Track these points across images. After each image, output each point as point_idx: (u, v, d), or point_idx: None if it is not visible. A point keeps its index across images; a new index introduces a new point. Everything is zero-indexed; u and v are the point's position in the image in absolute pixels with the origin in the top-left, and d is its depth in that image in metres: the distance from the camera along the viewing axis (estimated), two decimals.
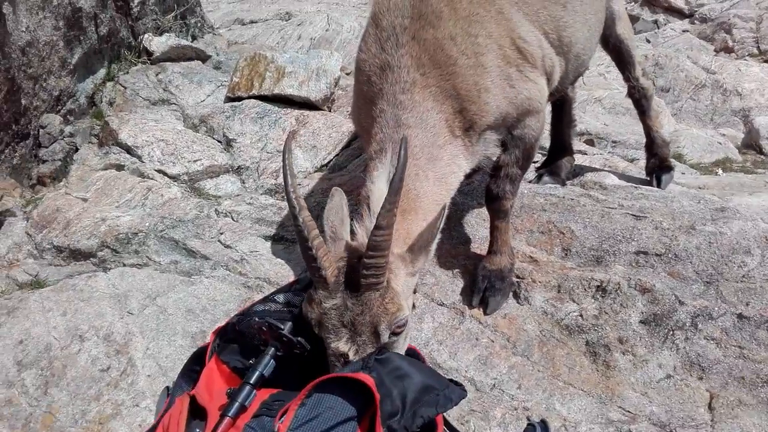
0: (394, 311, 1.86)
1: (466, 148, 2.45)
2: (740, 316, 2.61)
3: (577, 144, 5.90)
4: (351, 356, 1.86)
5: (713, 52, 15.62)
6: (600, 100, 8.91)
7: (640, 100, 3.77)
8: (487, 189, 2.78)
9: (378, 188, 2.07)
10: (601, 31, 3.35)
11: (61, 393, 2.65)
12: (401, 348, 1.98)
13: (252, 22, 9.03)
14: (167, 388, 2.15)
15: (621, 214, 3.09)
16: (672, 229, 2.97)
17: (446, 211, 2.06)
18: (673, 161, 5.21)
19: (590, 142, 6.62)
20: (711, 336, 2.61)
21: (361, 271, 1.82)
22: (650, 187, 3.59)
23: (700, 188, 4.25)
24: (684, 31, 18.78)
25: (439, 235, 2.06)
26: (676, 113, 11.05)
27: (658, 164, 3.78)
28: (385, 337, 1.87)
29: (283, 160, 1.95)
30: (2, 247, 3.18)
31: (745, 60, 13.37)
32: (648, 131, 3.85)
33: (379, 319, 1.84)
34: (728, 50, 15.72)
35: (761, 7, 18.78)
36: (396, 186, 1.82)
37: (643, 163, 4.18)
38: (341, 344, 1.86)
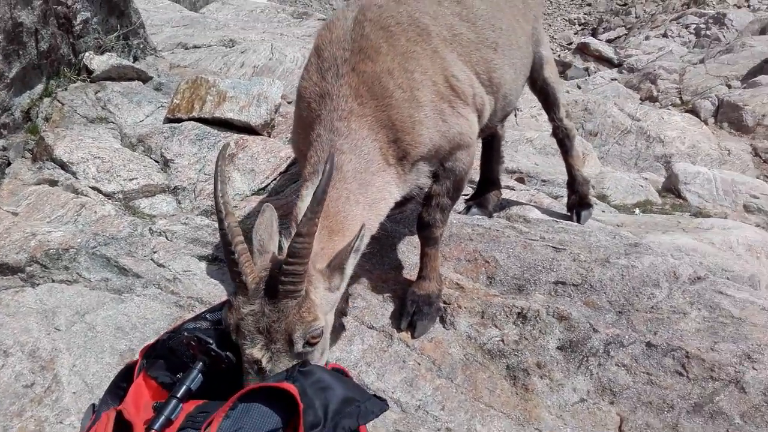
0: (310, 320, 1.93)
1: (399, 176, 2.57)
2: (648, 344, 2.79)
3: (508, 180, 6.15)
4: (264, 363, 1.92)
5: (639, 101, 16.52)
6: (531, 141, 9.28)
7: (563, 139, 4.01)
8: (419, 217, 2.91)
9: (305, 205, 2.16)
10: (527, 74, 3.58)
11: None
12: (318, 362, 2.05)
13: (195, 46, 8.99)
14: (93, 405, 2.15)
15: (542, 246, 3.27)
16: (588, 261, 3.16)
17: (363, 232, 2.14)
18: (595, 200, 5.51)
19: (521, 180, 6.90)
20: (622, 362, 2.77)
21: (280, 278, 1.89)
22: (570, 222, 3.80)
23: (618, 225, 4.52)
24: (613, 79, 19.74)
25: (355, 256, 2.14)
26: (603, 156, 11.60)
27: (578, 201, 4.01)
28: (299, 346, 1.93)
29: (216, 167, 2.03)
30: None
31: (668, 109, 14.19)
32: (570, 170, 4.09)
33: (294, 327, 1.91)
34: (653, 99, 16.63)
35: (684, 60, 20.00)
36: (319, 196, 1.91)
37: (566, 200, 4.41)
38: (255, 350, 1.92)
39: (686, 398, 2.62)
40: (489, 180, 3.94)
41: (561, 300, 3.03)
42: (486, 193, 3.89)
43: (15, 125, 3.95)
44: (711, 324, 2.87)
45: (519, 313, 2.95)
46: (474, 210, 3.78)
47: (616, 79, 18.74)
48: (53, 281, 3.05)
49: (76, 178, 3.60)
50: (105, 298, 2.97)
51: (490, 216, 3.75)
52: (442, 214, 2.87)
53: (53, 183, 3.56)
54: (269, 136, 4.24)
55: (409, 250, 3.32)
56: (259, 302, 1.92)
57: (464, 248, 3.31)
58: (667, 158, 10.98)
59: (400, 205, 2.84)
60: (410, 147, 2.54)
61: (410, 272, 3.17)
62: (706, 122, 12.93)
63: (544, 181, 7.74)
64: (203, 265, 3.16)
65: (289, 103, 6.03)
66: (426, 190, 2.82)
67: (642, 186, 8.48)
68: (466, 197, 4.02)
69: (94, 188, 3.58)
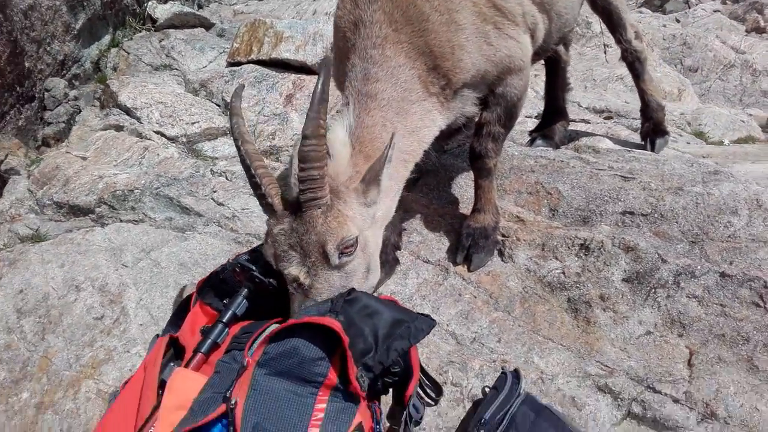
0: (338, 229, 1.90)
1: (442, 104, 2.46)
2: (723, 275, 2.60)
3: (586, 114, 5.88)
4: (303, 279, 1.91)
5: (744, 32, 15.34)
6: (622, 78, 8.79)
7: (633, 62, 3.73)
8: (470, 148, 2.79)
9: (335, 135, 2.10)
10: None
11: (57, 339, 2.75)
12: (362, 280, 2.02)
13: None
14: (157, 335, 2.23)
15: (610, 176, 3.09)
16: (660, 190, 2.96)
17: (394, 141, 2.06)
18: (680, 131, 5.17)
19: (610, 119, 6.58)
20: (693, 294, 2.60)
21: (298, 187, 1.88)
22: (644, 151, 3.57)
23: (703, 156, 4.22)
24: (715, 11, 18.40)
25: (389, 166, 2.08)
26: (704, 93, 10.89)
27: (653, 128, 3.74)
28: (334, 258, 1.91)
29: (231, 101, 2.02)
30: (5, 202, 3.28)
31: None
32: (642, 95, 3.81)
33: (324, 238, 1.88)
34: (759, 30, 15.39)
35: None
36: (318, 96, 1.85)
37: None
38: (292, 268, 1.91)
39: (763, 330, 2.44)
40: (554, 109, 3.74)
41: (628, 231, 2.86)
42: (552, 123, 3.70)
43: (86, 76, 4.09)
44: None
45: (582, 245, 2.81)
46: (539, 142, 3.61)
47: (719, 11, 17.43)
48: (120, 221, 3.16)
49: (141, 123, 3.69)
50: (169, 236, 3.05)
51: (556, 147, 3.58)
52: (494, 144, 2.74)
53: (119, 128, 3.67)
54: None
55: (467, 184, 3.22)
56: (287, 220, 1.91)
57: (525, 180, 3.17)
58: None
59: (449, 135, 2.73)
60: (451, 74, 2.41)
61: (468, 206, 3.08)
62: None
63: (635, 119, 7.35)
64: None
65: None
66: (476, 118, 2.70)
67: (743, 122, 7.90)
68: (531, 129, 3.84)
69: (157, 132, 3.66)
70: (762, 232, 2.75)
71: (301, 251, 1.90)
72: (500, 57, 2.54)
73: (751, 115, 9.14)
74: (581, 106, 7.54)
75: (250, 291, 2.04)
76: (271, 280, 2.02)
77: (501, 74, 2.59)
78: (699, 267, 2.65)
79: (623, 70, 9.13)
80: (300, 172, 1.86)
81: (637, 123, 6.26)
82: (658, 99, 3.79)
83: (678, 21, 16.68)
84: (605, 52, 10.09)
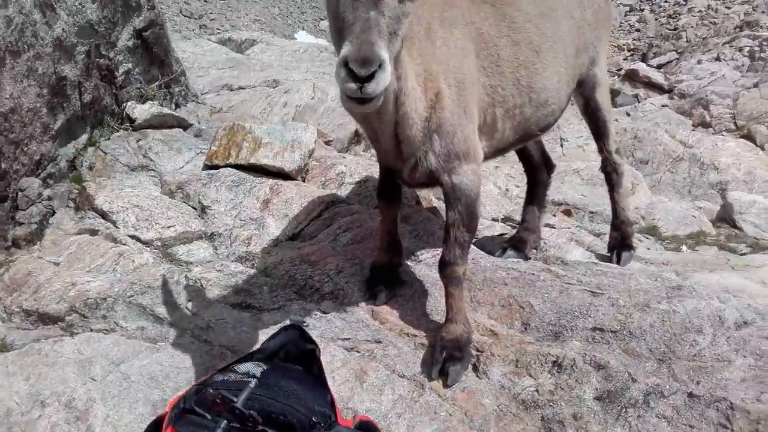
0: None
1: None
2: (690, 395, 2.67)
3: (554, 213, 6.07)
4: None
5: (691, 127, 16.18)
6: (578, 171, 9.14)
7: (611, 174, 3.92)
8: (440, 257, 2.89)
9: None
10: (573, 87, 3.53)
11: None
12: (405, 24, 2.21)
13: (240, 88, 9.24)
14: None
15: (579, 290, 3.19)
16: (628, 306, 3.07)
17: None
18: (640, 237, 5.36)
19: (567, 212, 6.79)
20: (662, 414, 2.65)
21: None
22: (609, 264, 3.70)
23: (663, 264, 4.37)
24: (663, 105, 19.42)
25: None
26: (654, 185, 11.35)
27: (620, 241, 3.90)
28: None
29: None
30: None
31: (722, 135, 13.84)
32: (615, 207, 3.99)
33: None
34: (705, 125, 16.27)
35: (737, 84, 19.54)
36: None
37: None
38: None
39: None
40: (529, 226, 3.88)
41: (599, 347, 2.94)
42: (524, 236, 3.83)
43: (60, 175, 4.09)
44: (757, 373, 2.74)
45: (554, 362, 2.86)
46: (510, 252, 3.72)
47: (666, 106, 18.39)
48: (91, 330, 3.12)
49: (116, 227, 3.69)
50: (140, 347, 3.01)
51: (526, 259, 3.68)
52: (461, 250, 2.85)
53: (94, 232, 3.66)
54: (303, 181, 4.29)
55: (441, 295, 3.27)
56: None
57: (498, 293, 3.25)
58: (722, 186, 10.68)
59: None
60: None
61: (443, 317, 3.12)
62: (762, 148, 12.56)
63: (591, 212, 7.59)
64: (236, 313, 3.19)
65: (328, 143, 6.11)
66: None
67: (695, 216, 8.22)
68: (504, 239, 3.97)
69: (132, 237, 3.67)
70: (726, 351, 2.85)
71: None
72: None
73: (701, 207, 9.54)
74: None
75: (229, 422, 2.02)
76: (251, 412, 2.01)
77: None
78: (668, 387, 2.71)
79: (580, 163, 9.51)
80: None
81: (597, 227, 6.49)
82: (628, 214, 3.97)
83: (629, 114, 17.50)
84: (561, 146, 10.51)
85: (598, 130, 3.81)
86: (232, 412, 2.01)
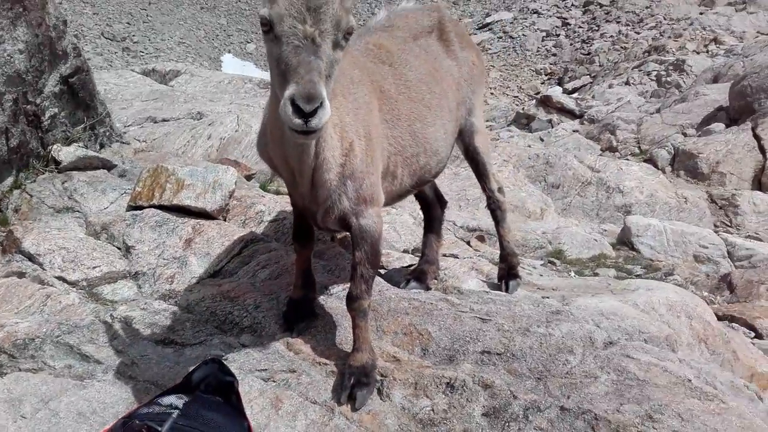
0: (348, 16, 2.38)
1: None
2: (562, 408, 3.08)
3: (459, 231, 6.52)
4: (317, 37, 2.33)
5: (600, 151, 17.23)
6: None
7: (495, 211, 4.38)
8: (348, 292, 3.24)
9: None
10: (455, 136, 4.01)
11: None
12: (335, 70, 2.51)
13: (164, 120, 9.38)
14: None
15: (471, 317, 3.60)
16: (511, 330, 3.50)
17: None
18: (535, 264, 5.88)
19: (481, 238, 7.30)
20: (539, 426, 3.05)
21: None
22: (499, 292, 4.15)
23: (552, 289, 4.86)
24: (574, 131, 20.54)
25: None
26: (565, 208, 12.11)
27: (507, 271, 4.36)
28: (340, 35, 2.40)
29: None
30: None
31: (627, 159, 14.85)
32: (501, 240, 4.44)
33: (341, 15, 2.35)
34: (612, 149, 17.37)
35: (642, 110, 20.86)
36: None
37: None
38: (307, 27, 2.32)
39: None
40: (428, 258, 4.30)
41: (486, 368, 3.34)
42: (425, 267, 4.24)
43: None
44: (618, 387, 3.18)
45: (448, 383, 3.23)
46: (413, 283, 4.12)
47: (577, 131, 19.53)
48: (20, 370, 3.30)
49: (43, 269, 3.88)
50: (68, 384, 3.21)
51: (427, 289, 4.09)
52: (366, 285, 3.20)
53: (21, 275, 3.84)
54: (224, 220, 4.58)
55: (350, 326, 3.62)
56: None
57: (401, 322, 3.62)
58: (627, 208, 11.51)
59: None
60: None
61: (351, 346, 3.47)
62: (663, 171, 13.56)
63: None
64: (160, 349, 3.44)
65: (251, 176, 6.39)
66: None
67: (596, 240, 8.92)
68: (408, 271, 4.37)
69: (59, 278, 3.86)
70: (593, 368, 3.30)
71: (316, 16, 2.32)
72: None
73: (605, 230, 10.29)
74: (456, 225, 8.31)
75: None
76: None
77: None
78: (543, 402, 3.13)
79: None
80: None
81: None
82: (513, 246, 4.43)
83: (542, 140, 18.47)
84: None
85: (479, 172, 4.26)
86: None
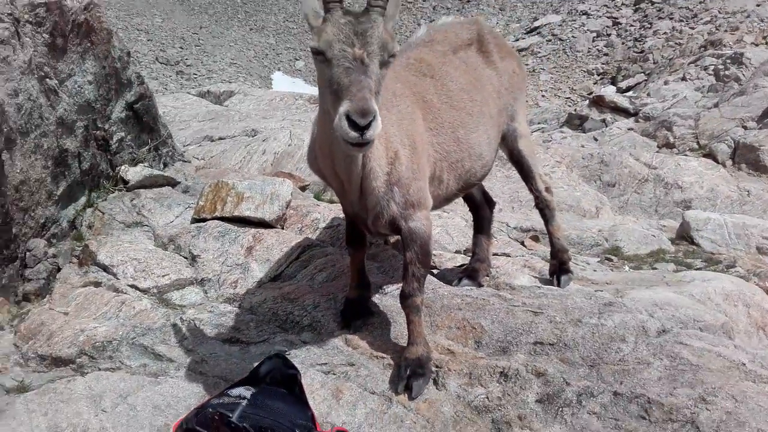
0: (392, 40, 2.62)
1: None
2: (615, 393, 3.14)
3: (513, 233, 6.58)
4: (365, 58, 2.55)
5: (656, 148, 16.89)
6: None
7: (543, 210, 4.47)
8: (401, 290, 3.39)
9: None
10: (499, 140, 4.14)
11: None
12: (382, 86, 2.73)
13: (220, 138, 9.75)
14: None
15: (523, 311, 3.69)
16: (563, 322, 3.57)
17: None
18: (588, 260, 5.90)
19: (535, 238, 7.32)
20: (593, 411, 3.12)
21: None
22: (551, 287, 4.22)
23: (606, 283, 4.90)
24: (629, 129, 20.17)
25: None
26: (623, 206, 11.95)
27: (558, 267, 4.43)
28: (386, 55, 2.62)
29: None
30: None
31: (686, 155, 14.51)
32: (551, 238, 4.52)
33: (386, 37, 2.59)
34: (670, 146, 17.00)
35: (699, 105, 20.37)
36: None
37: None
38: (356, 49, 2.54)
39: None
40: (479, 257, 4.41)
41: (539, 358, 3.42)
42: (476, 266, 4.35)
43: (62, 234, 4.57)
44: (671, 372, 3.22)
45: (501, 372, 3.34)
46: (465, 281, 4.23)
47: (632, 129, 19.16)
48: (99, 369, 3.56)
49: (117, 279, 4.17)
50: (144, 381, 3.46)
51: (479, 286, 4.20)
52: (418, 284, 3.35)
53: (97, 284, 4.14)
54: (282, 229, 4.81)
55: (404, 322, 3.76)
56: (352, 15, 2.62)
57: (454, 317, 3.74)
58: (687, 203, 11.29)
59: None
60: None
61: (407, 341, 3.61)
62: (724, 165, 13.20)
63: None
64: (227, 347, 3.66)
65: (305, 188, 6.62)
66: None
67: (654, 236, 8.78)
68: (460, 269, 4.49)
69: (132, 286, 4.14)
70: (645, 355, 3.34)
71: (363, 39, 2.55)
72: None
73: (664, 226, 10.11)
74: (509, 226, 8.35)
75: None
76: (245, 425, 2.48)
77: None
78: (596, 388, 3.20)
79: None
80: None
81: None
82: (563, 243, 4.50)
83: (596, 139, 18.22)
84: None
85: (525, 174, 4.38)
86: (229, 426, 2.49)
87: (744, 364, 3.27)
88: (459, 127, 3.62)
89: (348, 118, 2.48)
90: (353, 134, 2.49)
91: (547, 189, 4.46)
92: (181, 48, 52.77)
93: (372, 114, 2.48)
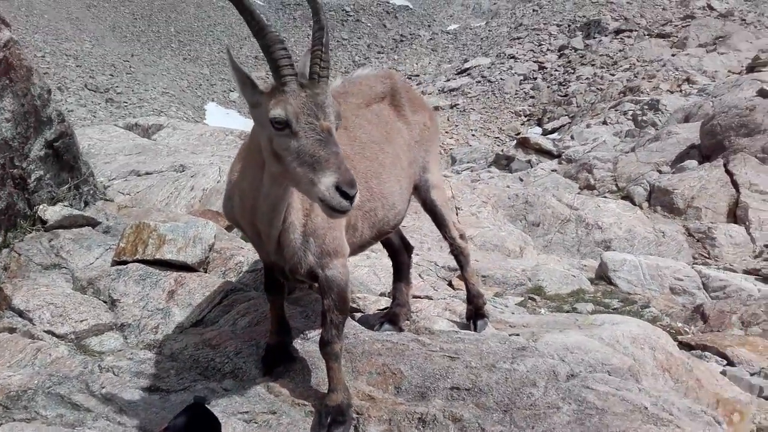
0: (339, 103, 2.82)
1: None
2: None
3: (441, 272, 6.75)
4: (332, 131, 2.72)
5: (578, 190, 17.64)
6: (472, 238, 9.95)
7: (458, 257, 4.64)
8: (320, 337, 3.46)
9: None
10: (411, 191, 4.30)
11: None
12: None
13: (147, 173, 9.62)
14: None
15: (440, 356, 3.81)
16: (479, 367, 3.71)
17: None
18: (506, 303, 6.11)
19: (462, 278, 7.51)
20: None
21: (321, 64, 2.76)
22: (468, 331, 4.38)
23: (523, 326, 5.10)
24: (553, 170, 21.01)
25: None
26: (547, 245, 12.39)
27: (474, 312, 4.61)
28: (339, 123, 2.84)
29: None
30: None
31: (605, 197, 15.22)
32: (466, 284, 4.69)
33: (336, 104, 2.76)
34: (591, 187, 17.80)
35: (617, 149, 21.39)
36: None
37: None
38: (323, 121, 2.70)
39: None
40: (399, 301, 4.53)
41: (456, 403, 3.54)
42: (396, 311, 4.47)
43: None
44: (579, 416, 3.39)
45: (420, 418, 3.42)
46: (386, 326, 4.34)
47: (555, 170, 20.01)
48: (14, 420, 3.44)
49: (33, 324, 4.07)
50: None
51: (400, 330, 4.31)
52: (337, 330, 3.43)
53: (12, 330, 4.02)
54: (205, 272, 4.80)
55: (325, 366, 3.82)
56: (311, 88, 2.75)
57: (375, 362, 3.82)
58: (606, 243, 11.85)
59: None
60: None
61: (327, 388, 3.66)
62: (641, 207, 13.95)
63: (484, 276, 8.38)
64: (146, 395, 3.61)
65: (231, 228, 6.61)
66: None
67: (575, 276, 9.18)
68: (381, 314, 4.59)
69: (48, 332, 4.05)
70: (555, 399, 3.51)
71: (324, 111, 2.71)
72: None
73: (585, 266, 10.55)
74: (438, 265, 8.55)
75: None
76: None
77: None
78: None
79: (473, 230, 10.27)
80: (319, 53, 2.82)
81: (486, 286, 7.21)
82: (478, 288, 4.68)
83: (521, 180, 18.86)
84: (457, 214, 11.38)
85: (439, 222, 4.57)
86: None
87: (646, 408, 3.48)
88: (372, 178, 3.76)
89: (338, 189, 2.64)
90: (346, 203, 2.65)
91: (461, 236, 4.64)
92: (111, 75, 51.72)
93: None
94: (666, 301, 8.86)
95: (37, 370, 3.73)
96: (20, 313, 4.15)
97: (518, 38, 49.93)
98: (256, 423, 3.46)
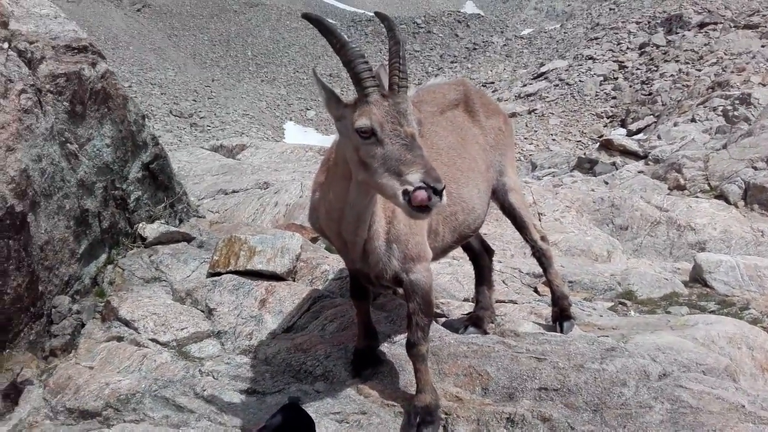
0: (419, 111, 2.97)
1: None
2: None
3: (526, 278, 6.71)
4: (416, 136, 2.86)
5: (667, 190, 16.95)
6: (556, 244, 9.80)
7: (540, 258, 4.62)
8: (407, 340, 3.55)
9: None
10: (489, 194, 4.33)
11: None
12: None
13: (234, 191, 10.06)
14: None
15: (527, 357, 3.82)
16: (566, 368, 3.69)
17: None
18: (595, 306, 6.01)
19: (548, 284, 7.43)
20: None
21: (400, 75, 2.87)
22: (554, 333, 4.35)
23: (612, 328, 5.01)
24: (639, 172, 20.31)
25: None
26: (636, 249, 12.01)
27: (560, 313, 4.57)
28: (420, 129, 2.95)
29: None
30: (23, 411, 3.82)
31: (697, 196, 14.58)
32: (550, 285, 4.67)
33: (417, 113, 2.92)
34: (681, 188, 17.08)
35: (707, 147, 20.48)
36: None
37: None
38: (408, 127, 2.83)
39: None
40: (482, 304, 4.56)
41: (544, 404, 3.54)
42: (481, 314, 4.50)
43: (85, 290, 4.77)
44: (672, 415, 3.32)
45: (508, 418, 3.45)
46: (470, 329, 4.38)
47: (642, 172, 19.34)
48: (125, 421, 3.71)
49: (138, 333, 4.36)
50: None
51: (484, 333, 4.34)
52: (422, 333, 3.49)
53: (120, 339, 4.33)
54: (293, 281, 5.00)
55: (412, 369, 3.89)
56: (393, 96, 2.86)
57: (461, 364, 3.87)
58: (701, 245, 11.35)
59: None
60: None
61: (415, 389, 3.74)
62: (736, 206, 13.31)
63: (571, 281, 8.23)
64: (244, 397, 3.80)
65: (315, 239, 6.82)
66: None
67: (667, 279, 8.84)
68: (465, 317, 4.64)
69: (152, 340, 4.33)
70: (646, 399, 3.46)
71: (406, 118, 2.83)
72: None
73: (678, 269, 10.14)
74: (522, 272, 8.46)
75: None
76: None
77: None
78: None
79: (558, 236, 10.07)
80: (403, 66, 2.93)
81: (574, 292, 7.08)
82: (563, 289, 4.64)
83: (606, 183, 18.31)
84: (540, 220, 11.23)
85: (519, 225, 4.56)
86: None
87: (743, 406, 3.37)
88: (450, 182, 3.82)
89: (428, 186, 2.73)
90: (436, 199, 2.74)
91: (542, 238, 4.63)
92: (194, 101, 54.14)
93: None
94: (767, 302, 8.43)
95: (144, 375, 3.99)
96: (126, 323, 4.45)
97: (596, 38, 48.74)
98: (347, 423, 3.58)
